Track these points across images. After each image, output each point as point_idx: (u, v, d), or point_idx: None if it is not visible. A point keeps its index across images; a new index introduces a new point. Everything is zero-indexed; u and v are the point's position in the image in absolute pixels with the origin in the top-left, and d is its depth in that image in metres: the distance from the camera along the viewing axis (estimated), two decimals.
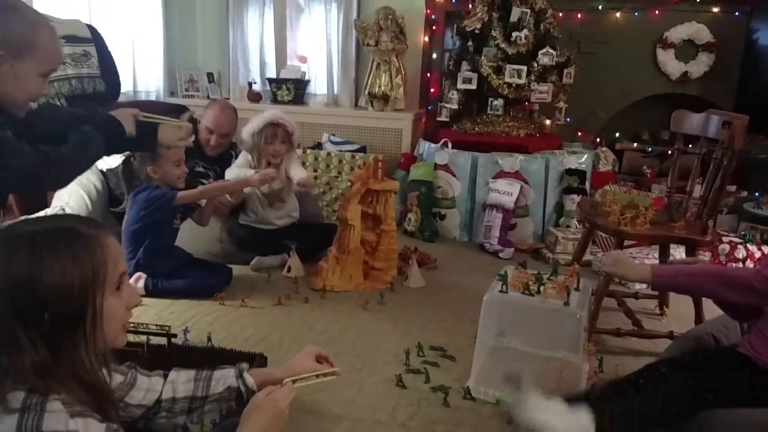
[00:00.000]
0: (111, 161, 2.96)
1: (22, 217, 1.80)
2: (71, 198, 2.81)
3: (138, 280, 2.54)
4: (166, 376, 1.37)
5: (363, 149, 4.18)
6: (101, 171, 2.96)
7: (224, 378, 1.40)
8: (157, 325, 1.83)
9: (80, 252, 0.95)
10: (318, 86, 4.76)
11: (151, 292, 2.54)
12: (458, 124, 4.10)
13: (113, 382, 1.23)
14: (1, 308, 0.90)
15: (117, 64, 3.87)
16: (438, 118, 4.23)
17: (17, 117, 1.79)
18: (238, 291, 2.66)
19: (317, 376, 1.44)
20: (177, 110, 3.73)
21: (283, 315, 2.48)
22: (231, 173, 2.95)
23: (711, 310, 2.48)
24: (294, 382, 1.36)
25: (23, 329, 0.90)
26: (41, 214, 2.51)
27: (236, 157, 3.10)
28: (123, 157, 2.55)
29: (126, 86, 4.20)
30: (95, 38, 3.71)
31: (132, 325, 1.79)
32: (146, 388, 1.31)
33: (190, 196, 2.59)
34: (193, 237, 2.83)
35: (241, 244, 3.01)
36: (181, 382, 1.37)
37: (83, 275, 0.94)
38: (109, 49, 3.80)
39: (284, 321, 2.41)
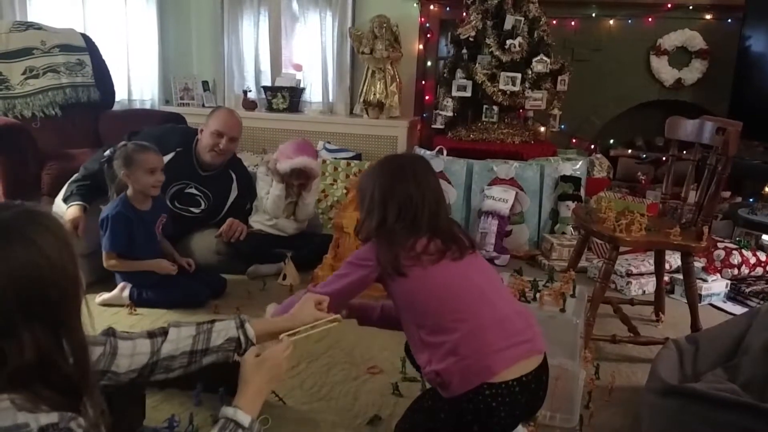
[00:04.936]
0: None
1: None
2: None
3: (123, 290, 2.52)
4: (151, 335, 1.32)
5: (358, 157, 4.19)
6: None
7: (225, 330, 1.38)
8: None
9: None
10: (313, 94, 4.77)
11: (135, 301, 2.51)
12: (453, 131, 4.11)
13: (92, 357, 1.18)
14: None
15: (112, 72, 3.87)
16: (433, 126, 4.24)
17: None
18: (232, 300, 2.65)
19: (314, 327, 1.41)
20: (173, 119, 3.72)
21: None
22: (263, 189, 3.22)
23: (708, 317, 2.49)
24: (292, 335, 1.33)
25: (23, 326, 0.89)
26: None
27: (236, 179, 2.99)
28: (105, 156, 2.52)
29: (121, 95, 4.20)
30: (90, 47, 3.71)
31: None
32: (130, 354, 1.27)
33: (119, 266, 2.52)
34: (189, 249, 2.82)
35: (238, 254, 2.99)
36: (182, 338, 1.34)
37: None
38: (104, 57, 3.80)
39: None
